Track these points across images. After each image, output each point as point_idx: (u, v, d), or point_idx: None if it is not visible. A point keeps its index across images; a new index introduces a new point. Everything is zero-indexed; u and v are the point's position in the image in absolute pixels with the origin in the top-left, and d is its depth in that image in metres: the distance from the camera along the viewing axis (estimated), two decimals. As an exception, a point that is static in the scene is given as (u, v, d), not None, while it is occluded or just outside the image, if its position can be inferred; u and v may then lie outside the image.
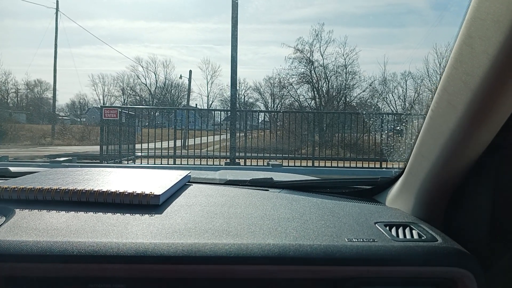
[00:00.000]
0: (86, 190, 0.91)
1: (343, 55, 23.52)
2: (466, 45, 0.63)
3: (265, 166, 8.11)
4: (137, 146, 9.89)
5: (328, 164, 8.89)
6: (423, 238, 0.78)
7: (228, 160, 8.88)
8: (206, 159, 9.46)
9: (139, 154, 9.65)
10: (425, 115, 0.81)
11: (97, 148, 9.73)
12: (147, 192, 0.91)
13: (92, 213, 0.84)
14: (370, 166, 8.79)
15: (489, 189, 0.77)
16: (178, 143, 10.74)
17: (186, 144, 13.34)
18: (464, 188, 0.84)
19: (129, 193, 0.90)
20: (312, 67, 23.71)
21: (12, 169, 1.33)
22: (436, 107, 0.75)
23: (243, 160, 9.12)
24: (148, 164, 8.74)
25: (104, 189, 0.92)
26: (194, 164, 8.63)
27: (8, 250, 0.68)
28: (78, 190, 0.91)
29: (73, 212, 0.85)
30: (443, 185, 0.84)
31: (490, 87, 0.61)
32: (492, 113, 0.65)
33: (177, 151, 9.80)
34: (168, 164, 8.65)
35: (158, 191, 0.92)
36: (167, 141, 9.96)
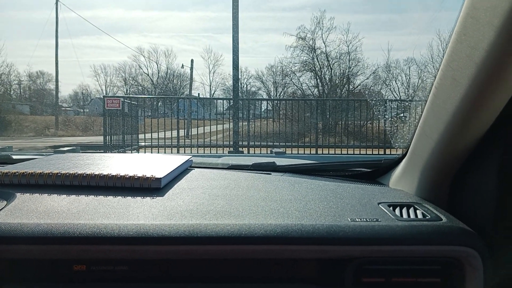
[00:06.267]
0: (87, 174, 0.90)
1: (346, 42, 23.36)
2: (471, 17, 0.61)
3: (268, 154, 8.12)
4: (141, 136, 9.91)
5: (331, 151, 8.88)
6: (427, 217, 0.77)
7: (231, 149, 8.89)
8: (209, 148, 9.47)
9: (143, 144, 9.67)
10: (429, 93, 0.80)
11: (101, 138, 9.76)
12: (148, 175, 0.91)
13: (93, 196, 0.84)
14: (373, 153, 8.77)
15: (495, 167, 0.76)
16: (181, 132, 10.73)
17: (189, 133, 13.33)
18: (469, 167, 0.82)
19: (130, 176, 0.90)
20: (315, 54, 23.56)
21: (14, 156, 1.32)
22: (440, 84, 0.74)
23: (246, 149, 9.13)
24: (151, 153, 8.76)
25: (105, 173, 0.91)
26: (197, 153, 8.64)
27: (9, 232, 0.68)
28: (79, 174, 0.91)
29: (74, 195, 0.84)
30: (447, 164, 0.83)
31: (495, 59, 0.59)
32: (498, 87, 0.63)
33: (180, 140, 9.81)
34: (171, 153, 8.66)
35: (159, 174, 0.92)
36: (170, 131, 9.96)
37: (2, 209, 0.77)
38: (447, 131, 0.75)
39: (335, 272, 0.72)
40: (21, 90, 35.09)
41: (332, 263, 0.72)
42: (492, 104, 0.67)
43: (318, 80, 24.05)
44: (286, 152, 8.49)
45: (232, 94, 10.52)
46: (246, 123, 9.71)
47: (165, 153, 8.75)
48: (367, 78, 23.61)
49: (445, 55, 0.70)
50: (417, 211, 0.80)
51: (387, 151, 8.58)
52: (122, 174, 0.91)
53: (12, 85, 32.50)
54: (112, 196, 0.84)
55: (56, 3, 26.27)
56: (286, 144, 9.17)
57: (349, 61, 23.44)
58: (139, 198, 0.84)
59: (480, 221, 0.78)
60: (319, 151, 8.99)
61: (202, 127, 12.28)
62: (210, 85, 35.60)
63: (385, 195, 0.92)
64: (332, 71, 23.78)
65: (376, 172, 1.17)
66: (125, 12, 49.41)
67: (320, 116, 10.25)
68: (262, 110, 12.39)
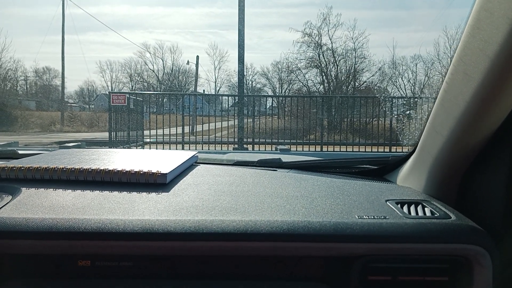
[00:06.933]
0: (93, 169, 0.90)
1: (352, 39, 23.21)
2: (484, 10, 0.60)
3: (273, 151, 8.11)
4: (146, 132, 9.93)
5: (336, 149, 8.86)
6: (435, 215, 0.76)
7: (236, 146, 8.90)
8: (214, 145, 9.48)
9: (148, 140, 9.70)
10: (439, 89, 0.78)
11: (106, 134, 9.79)
12: (154, 171, 0.90)
13: (98, 191, 0.84)
14: (379, 151, 8.73)
15: (505, 165, 0.75)
16: (186, 129, 10.75)
17: (194, 130, 13.35)
18: (478, 164, 0.81)
19: (136, 171, 0.89)
20: (321, 51, 23.42)
21: (20, 151, 1.32)
22: (451, 78, 0.72)
23: (251, 145, 9.13)
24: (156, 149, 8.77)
25: (111, 168, 0.91)
26: (202, 150, 8.66)
27: (14, 227, 0.67)
28: (84, 169, 0.90)
29: (79, 190, 0.84)
30: (456, 161, 0.82)
31: (509, 53, 0.57)
32: (511, 82, 0.62)
33: (185, 137, 9.82)
34: (176, 149, 8.68)
35: (165, 170, 0.91)
36: (175, 127, 9.98)
37: (7, 203, 0.77)
38: (458, 127, 0.74)
39: (341, 270, 0.71)
40: (28, 86, 35.34)
41: (339, 261, 0.71)
42: (504, 100, 0.66)
43: (324, 76, 23.92)
44: (291, 149, 8.48)
45: (237, 90, 10.52)
46: (251, 119, 9.70)
47: (170, 149, 8.77)
48: (373, 75, 23.48)
49: (457, 49, 0.69)
50: (425, 209, 0.79)
51: (393, 149, 8.54)
52: (128, 169, 0.90)
53: (19, 81, 32.74)
54: (117, 192, 0.84)
55: (63, -1, 26.31)
56: (291, 141, 9.15)
57: (355, 58, 23.31)
58: (144, 193, 0.83)
59: (489, 220, 0.77)
60: (324, 148, 8.96)
61: (207, 124, 12.28)
62: (216, 82, 35.68)
63: (393, 192, 0.90)
64: (338, 67, 23.64)
65: (383, 169, 1.16)
66: (131, 9, 49.53)
67: (326, 113, 10.21)
68: (267, 106, 12.38)
